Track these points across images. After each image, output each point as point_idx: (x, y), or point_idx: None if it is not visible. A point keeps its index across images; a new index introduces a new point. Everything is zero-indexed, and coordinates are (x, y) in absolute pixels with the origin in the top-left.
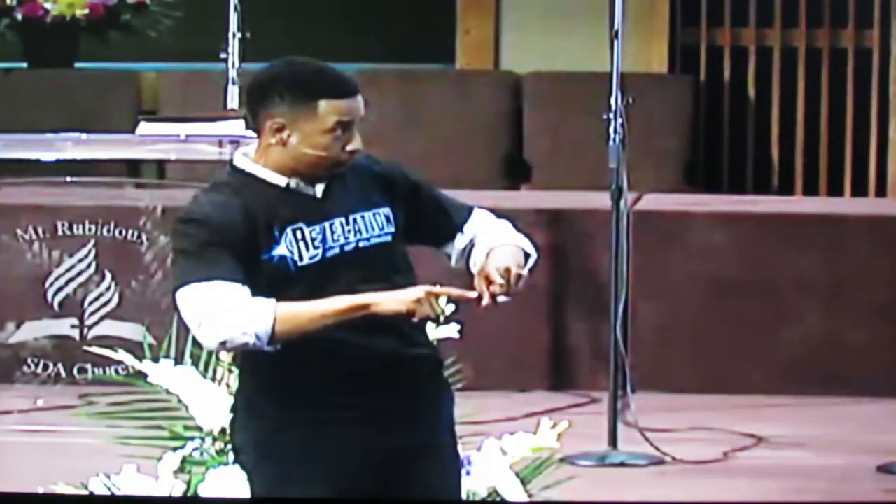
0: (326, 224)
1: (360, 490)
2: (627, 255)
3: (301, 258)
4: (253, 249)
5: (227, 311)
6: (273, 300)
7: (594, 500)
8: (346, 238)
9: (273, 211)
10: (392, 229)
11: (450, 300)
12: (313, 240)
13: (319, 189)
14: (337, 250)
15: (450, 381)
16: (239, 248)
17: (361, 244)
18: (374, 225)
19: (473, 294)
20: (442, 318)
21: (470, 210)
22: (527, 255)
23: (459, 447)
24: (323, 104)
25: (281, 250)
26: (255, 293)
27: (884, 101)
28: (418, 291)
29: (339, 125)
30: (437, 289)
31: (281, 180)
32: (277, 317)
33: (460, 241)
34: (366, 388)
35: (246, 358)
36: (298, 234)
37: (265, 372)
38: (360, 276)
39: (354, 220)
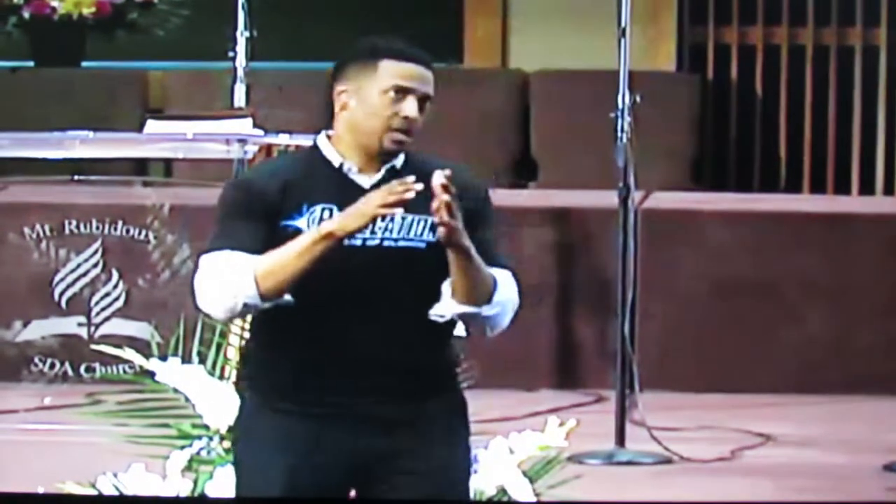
0: None
1: (335, 489)
2: (635, 253)
3: None
4: (276, 217)
5: (218, 283)
6: (252, 260)
7: (601, 498)
8: (372, 232)
9: (312, 186)
10: (430, 239)
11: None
12: None
13: (371, 180)
14: (357, 242)
15: (458, 390)
16: (264, 213)
17: (386, 243)
18: (410, 228)
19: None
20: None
21: (499, 267)
22: (492, 291)
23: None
24: (384, 64)
25: (300, 223)
26: None
27: (892, 99)
28: (378, 194)
29: (397, 89)
30: (396, 186)
31: (337, 160)
32: (258, 277)
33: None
34: (357, 390)
35: (246, 342)
36: (326, 213)
37: (257, 358)
38: (370, 272)
39: (391, 218)
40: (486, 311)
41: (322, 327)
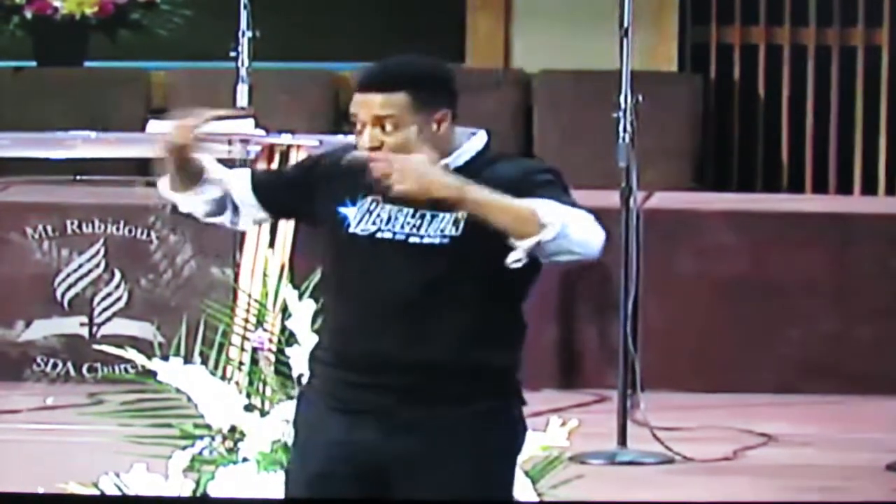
0: (396, 208)
1: (335, 485)
2: (637, 253)
3: (355, 226)
4: (332, 196)
5: None
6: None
7: (603, 498)
8: (401, 228)
9: (372, 178)
10: (454, 233)
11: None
12: (378, 216)
13: None
14: (388, 235)
15: (498, 400)
16: (317, 185)
17: (412, 239)
18: (435, 226)
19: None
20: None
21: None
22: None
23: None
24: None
25: (348, 211)
26: (322, 241)
27: (894, 99)
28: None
29: (356, 120)
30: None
31: None
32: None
33: None
34: (382, 388)
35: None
36: (373, 205)
37: (311, 354)
38: (393, 266)
39: (422, 216)
40: (544, 235)
41: (354, 325)
